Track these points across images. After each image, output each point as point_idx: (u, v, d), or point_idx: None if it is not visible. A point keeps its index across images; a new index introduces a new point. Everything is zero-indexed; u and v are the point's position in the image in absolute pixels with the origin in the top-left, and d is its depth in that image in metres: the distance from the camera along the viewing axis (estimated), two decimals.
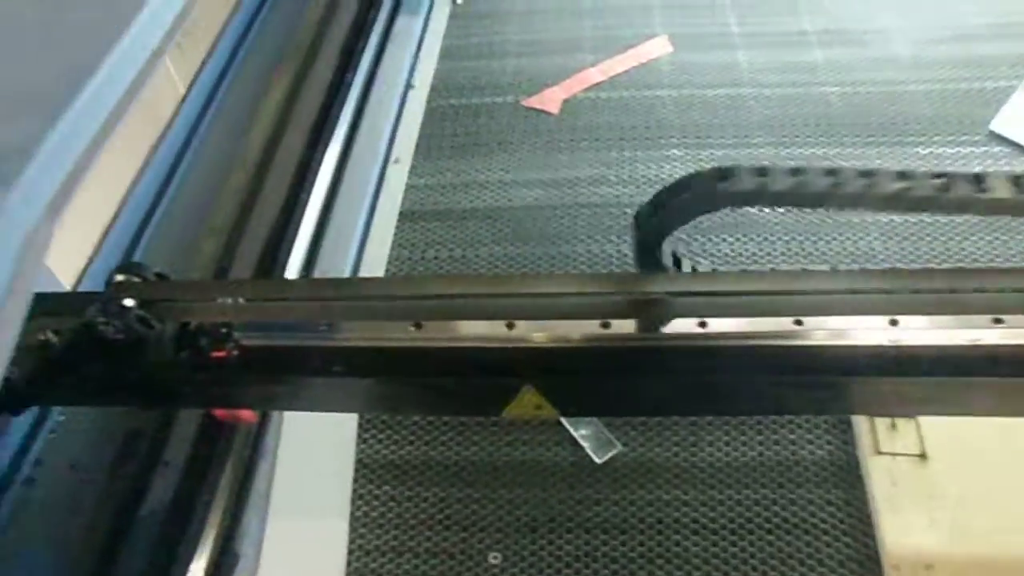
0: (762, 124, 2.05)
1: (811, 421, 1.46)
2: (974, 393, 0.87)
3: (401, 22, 2.39)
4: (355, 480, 1.45)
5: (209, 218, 1.65)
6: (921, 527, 1.29)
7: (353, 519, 1.40)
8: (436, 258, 1.81)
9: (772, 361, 0.86)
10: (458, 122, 2.14)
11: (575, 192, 1.92)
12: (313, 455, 1.46)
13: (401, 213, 1.91)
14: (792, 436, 1.44)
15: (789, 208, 1.73)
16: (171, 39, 0.68)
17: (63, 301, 0.95)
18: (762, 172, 0.82)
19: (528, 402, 0.90)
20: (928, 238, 1.73)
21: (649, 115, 2.10)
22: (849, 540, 1.32)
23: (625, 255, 1.76)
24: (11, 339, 0.50)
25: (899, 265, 1.67)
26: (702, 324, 0.87)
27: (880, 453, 1.37)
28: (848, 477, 1.39)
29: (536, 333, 0.88)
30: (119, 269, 0.88)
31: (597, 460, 1.44)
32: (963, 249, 1.71)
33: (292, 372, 0.92)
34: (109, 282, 0.87)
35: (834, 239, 1.74)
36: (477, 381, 0.91)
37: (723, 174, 0.83)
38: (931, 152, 1.94)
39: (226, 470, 1.33)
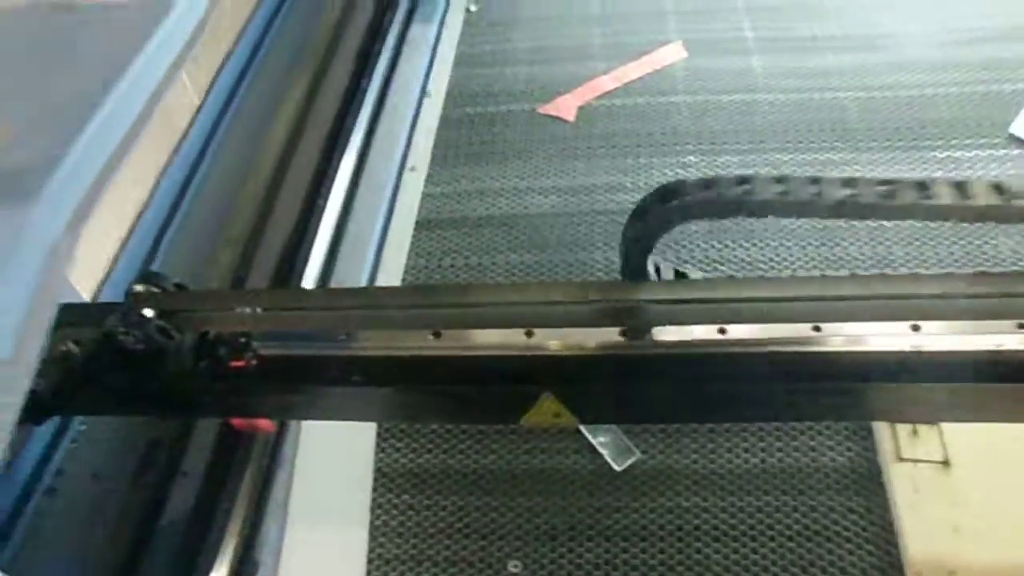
0: (777, 130, 2.03)
1: (831, 427, 1.44)
2: (998, 399, 0.87)
3: (415, 29, 2.40)
4: (374, 489, 1.45)
5: (226, 228, 1.66)
6: (944, 534, 1.28)
7: (372, 528, 1.40)
8: (453, 266, 1.81)
9: (792, 367, 0.86)
10: (474, 130, 2.14)
11: (592, 199, 1.92)
12: (332, 464, 1.46)
13: (417, 221, 1.91)
14: (812, 443, 1.43)
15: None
16: (187, 53, 0.69)
17: (84, 312, 0.96)
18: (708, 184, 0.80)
19: (547, 410, 0.90)
20: (947, 242, 1.71)
21: (665, 121, 2.09)
22: (871, 547, 1.31)
23: None
24: (39, 350, 0.50)
25: (919, 270, 1.66)
26: (721, 331, 0.87)
27: (902, 460, 1.36)
28: (869, 484, 1.37)
29: (555, 341, 0.89)
30: (138, 280, 0.89)
31: (616, 468, 1.43)
32: (984, 252, 1.69)
33: (310, 381, 0.93)
34: (128, 293, 0.88)
35: (852, 244, 1.73)
36: (496, 389, 0.91)
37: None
38: (949, 156, 1.92)
39: (245, 479, 1.33)
